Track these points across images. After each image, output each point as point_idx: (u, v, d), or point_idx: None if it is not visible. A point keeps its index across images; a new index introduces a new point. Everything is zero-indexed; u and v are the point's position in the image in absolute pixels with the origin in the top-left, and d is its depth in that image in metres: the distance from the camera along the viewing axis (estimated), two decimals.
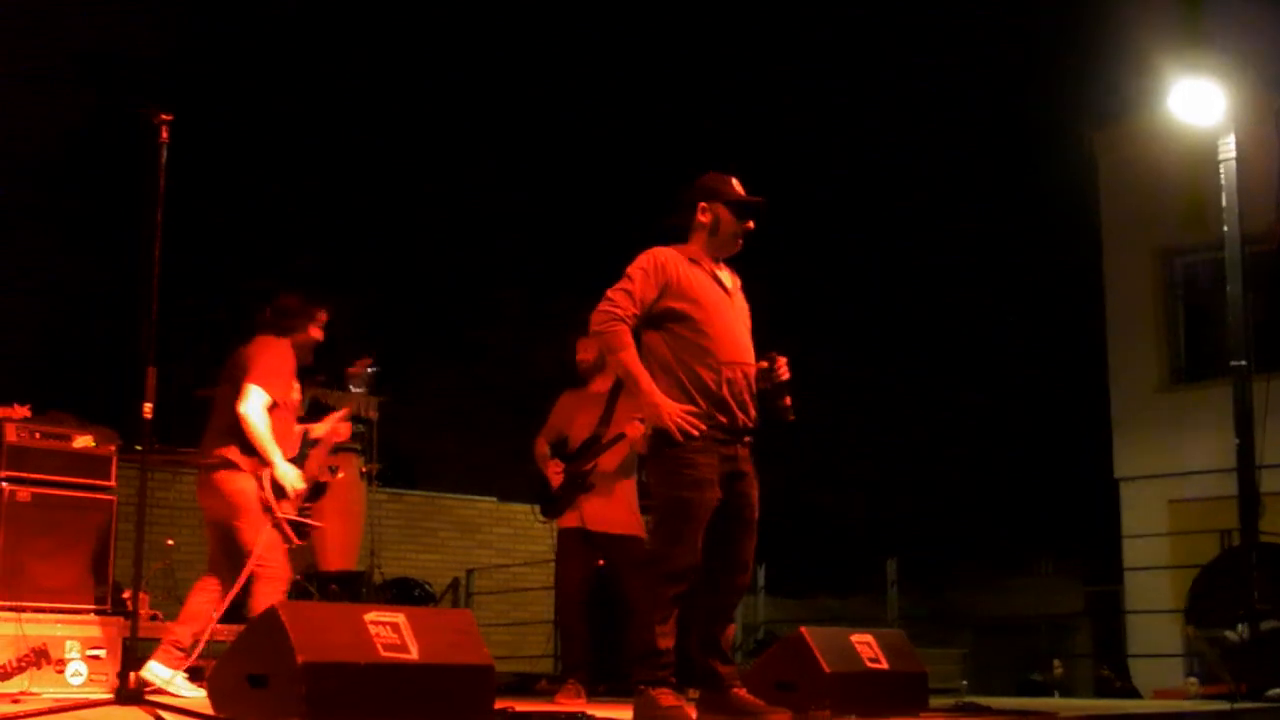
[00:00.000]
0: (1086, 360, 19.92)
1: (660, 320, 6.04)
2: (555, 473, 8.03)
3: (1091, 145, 19.63)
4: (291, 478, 7.19)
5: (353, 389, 9.81)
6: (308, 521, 7.32)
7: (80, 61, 17.23)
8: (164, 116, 6.23)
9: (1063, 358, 21.73)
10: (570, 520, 8.03)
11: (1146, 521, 17.35)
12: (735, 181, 6.28)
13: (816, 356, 18.84)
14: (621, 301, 5.96)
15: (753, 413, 6.12)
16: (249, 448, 7.10)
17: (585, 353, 8.16)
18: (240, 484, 7.10)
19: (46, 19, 16.91)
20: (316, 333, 7.51)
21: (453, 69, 21.63)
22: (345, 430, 7.92)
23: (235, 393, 7.11)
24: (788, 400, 6.23)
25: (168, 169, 6.09)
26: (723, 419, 6.00)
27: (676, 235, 6.27)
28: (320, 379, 9.71)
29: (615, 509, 8.00)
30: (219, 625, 7.18)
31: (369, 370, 9.84)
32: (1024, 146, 21.57)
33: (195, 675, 6.94)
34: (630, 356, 5.94)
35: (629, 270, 6.05)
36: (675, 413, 5.89)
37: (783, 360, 6.27)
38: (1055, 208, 21.20)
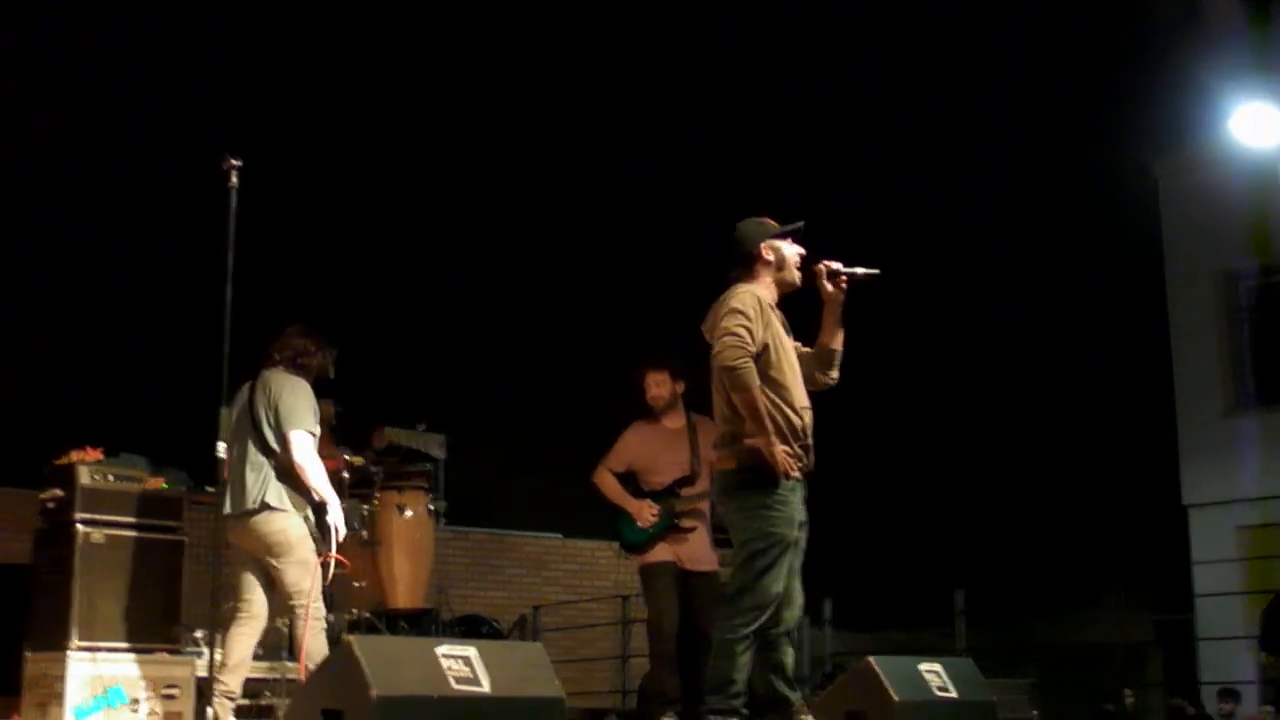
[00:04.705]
0: (1152, 387, 19.77)
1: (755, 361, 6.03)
2: (652, 515, 7.87)
3: (1153, 171, 19.54)
4: (342, 521, 7.14)
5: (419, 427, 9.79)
6: (344, 561, 7.26)
7: (152, 112, 17.46)
8: (233, 162, 6.35)
9: (1128, 385, 21.57)
10: (663, 554, 7.88)
11: (1216, 548, 17.21)
12: (769, 220, 6.33)
13: (882, 387, 18.82)
14: (748, 337, 5.94)
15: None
16: (297, 489, 7.01)
17: (659, 388, 7.97)
18: (287, 524, 7.01)
19: (116, 73, 17.18)
20: (329, 372, 7.37)
21: (519, 114, 21.80)
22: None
23: (275, 436, 7.00)
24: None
25: (237, 213, 6.22)
26: (804, 461, 6.09)
27: (736, 281, 6.24)
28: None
29: (704, 547, 7.95)
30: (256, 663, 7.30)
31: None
32: (1085, 174, 21.47)
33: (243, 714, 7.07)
34: (761, 395, 5.95)
35: (737, 307, 6.03)
36: (784, 454, 5.97)
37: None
38: (1117, 234, 21.06)
